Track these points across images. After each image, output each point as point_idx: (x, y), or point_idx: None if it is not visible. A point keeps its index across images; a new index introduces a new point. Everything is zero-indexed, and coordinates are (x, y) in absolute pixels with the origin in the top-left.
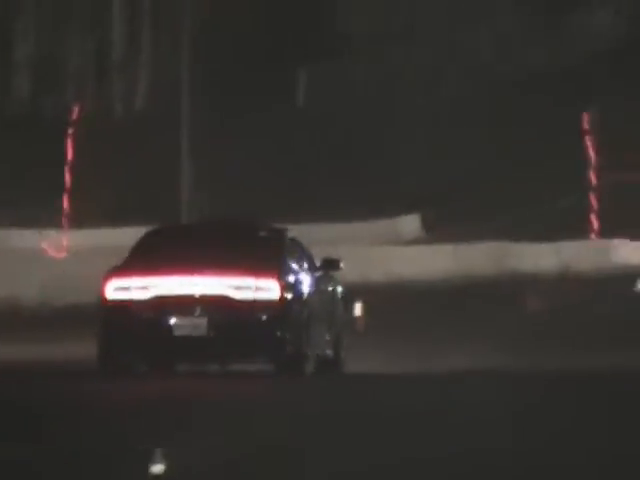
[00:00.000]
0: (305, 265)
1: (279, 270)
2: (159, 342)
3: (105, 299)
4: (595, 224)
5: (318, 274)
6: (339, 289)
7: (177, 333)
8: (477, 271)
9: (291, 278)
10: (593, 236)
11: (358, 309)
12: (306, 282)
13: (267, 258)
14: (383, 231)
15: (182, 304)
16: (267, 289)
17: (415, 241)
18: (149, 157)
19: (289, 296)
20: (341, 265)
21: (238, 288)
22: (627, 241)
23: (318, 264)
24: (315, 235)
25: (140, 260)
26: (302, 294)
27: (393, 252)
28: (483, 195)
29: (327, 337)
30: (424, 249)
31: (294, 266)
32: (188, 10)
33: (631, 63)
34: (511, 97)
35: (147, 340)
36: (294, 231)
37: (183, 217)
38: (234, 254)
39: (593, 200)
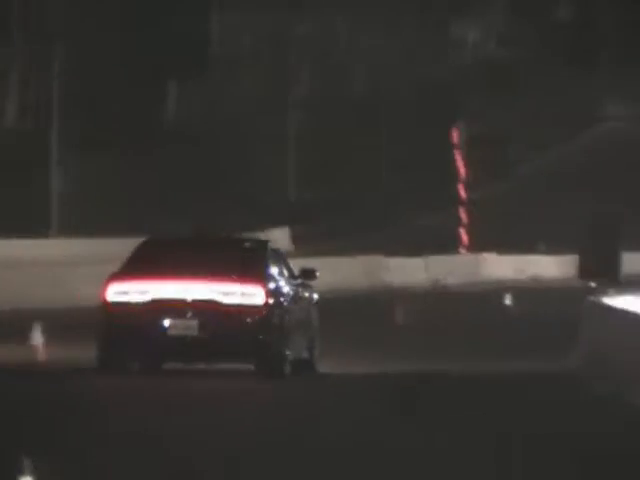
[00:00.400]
0: (285, 273)
1: (263, 277)
2: (155, 341)
3: (106, 301)
4: (465, 238)
5: (296, 282)
6: (314, 296)
7: (171, 333)
8: (350, 284)
9: (273, 285)
10: (463, 250)
11: None
12: (286, 289)
13: (252, 267)
14: None
15: (176, 307)
16: (252, 295)
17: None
18: (19, 171)
19: (272, 302)
20: (317, 274)
21: (226, 294)
22: (495, 255)
23: (296, 273)
24: None
25: (137, 267)
26: (283, 300)
27: None
28: (356, 211)
29: (303, 340)
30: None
31: (276, 274)
32: (59, 28)
33: (500, 79)
34: (380, 114)
35: (144, 339)
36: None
37: (53, 229)
38: (222, 263)
39: (463, 214)
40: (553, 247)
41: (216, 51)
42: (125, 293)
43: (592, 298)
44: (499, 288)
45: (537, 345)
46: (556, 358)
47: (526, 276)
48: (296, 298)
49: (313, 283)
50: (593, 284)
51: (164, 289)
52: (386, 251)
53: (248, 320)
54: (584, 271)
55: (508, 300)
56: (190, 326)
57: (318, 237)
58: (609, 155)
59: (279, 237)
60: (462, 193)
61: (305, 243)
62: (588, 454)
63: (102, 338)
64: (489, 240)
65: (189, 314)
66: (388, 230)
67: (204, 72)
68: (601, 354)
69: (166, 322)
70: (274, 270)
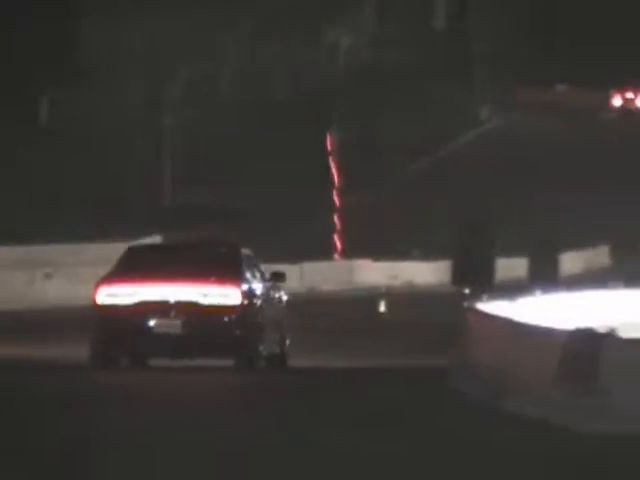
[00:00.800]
0: (258, 276)
1: (239, 280)
2: (142, 339)
3: (96, 304)
4: (339, 245)
5: (268, 284)
6: (284, 297)
7: (156, 332)
8: None
9: (248, 287)
10: (337, 257)
11: None
12: (259, 290)
13: (228, 270)
14: None
15: (160, 308)
16: (229, 295)
17: None
18: None
19: (247, 302)
20: (285, 277)
21: (205, 295)
22: (369, 261)
23: (267, 276)
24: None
25: (125, 271)
26: (256, 300)
27: None
28: (233, 217)
29: (275, 337)
30: None
31: (249, 277)
32: None
33: (372, 86)
34: (253, 120)
35: (132, 337)
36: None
37: None
38: (201, 267)
39: (337, 221)
40: (427, 253)
41: (88, 57)
42: (114, 295)
43: (466, 304)
44: (373, 294)
45: (410, 349)
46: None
47: (400, 282)
48: (268, 298)
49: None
50: (467, 290)
51: (149, 292)
52: (261, 258)
53: (226, 319)
54: (457, 277)
55: (382, 306)
56: (174, 325)
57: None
58: (482, 160)
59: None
60: (336, 200)
61: None
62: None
63: (94, 337)
64: (363, 247)
65: (172, 314)
66: (265, 237)
67: (75, 79)
68: (474, 359)
69: (152, 322)
70: (248, 273)
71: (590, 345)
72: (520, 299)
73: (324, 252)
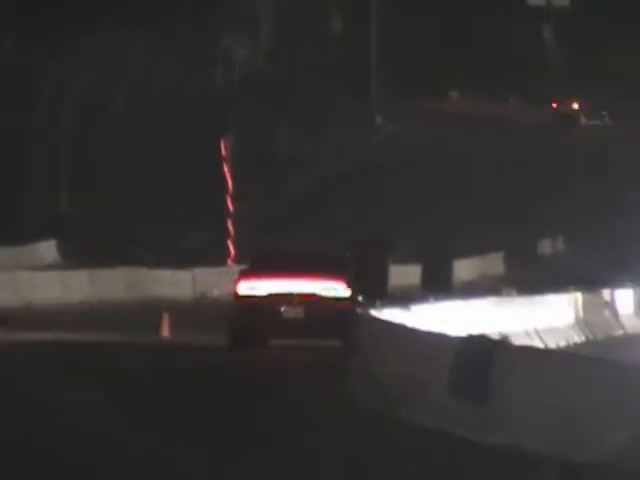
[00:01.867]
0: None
1: (346, 278)
2: (273, 322)
3: (237, 295)
4: (232, 251)
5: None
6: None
7: (284, 317)
8: (112, 296)
9: (352, 283)
10: (230, 262)
11: None
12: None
13: (338, 270)
14: (20, 256)
15: (287, 298)
16: (339, 289)
17: (52, 266)
18: None
19: (351, 294)
20: None
21: (322, 289)
22: None
23: None
24: None
25: (257, 270)
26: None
27: (28, 277)
28: (127, 225)
29: None
30: (60, 274)
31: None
32: None
33: (270, 94)
34: (149, 129)
35: (265, 321)
36: None
37: None
38: (319, 267)
39: (230, 227)
40: None
41: None
42: (252, 288)
43: (360, 311)
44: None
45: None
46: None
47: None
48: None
49: None
50: (360, 297)
51: (278, 286)
52: (153, 264)
53: (337, 307)
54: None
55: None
56: (298, 312)
57: (86, 250)
58: (378, 168)
59: (45, 249)
60: (230, 206)
61: (73, 256)
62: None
63: (234, 321)
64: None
65: (297, 303)
66: (159, 243)
67: None
68: (371, 366)
69: (281, 309)
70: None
71: (482, 352)
72: (414, 306)
73: (217, 258)
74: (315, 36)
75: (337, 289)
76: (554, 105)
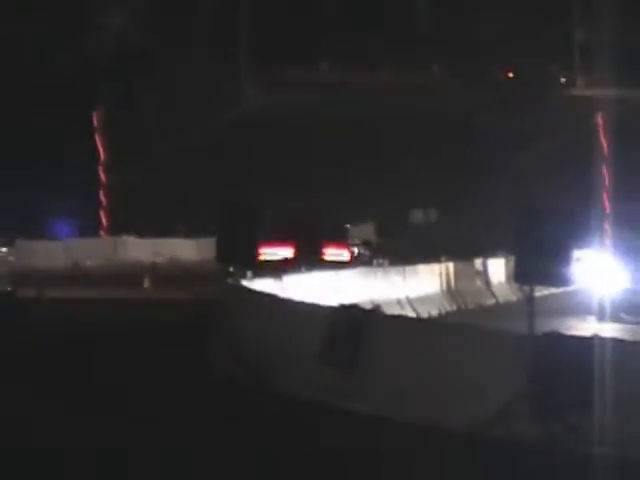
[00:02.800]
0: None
1: (348, 245)
2: None
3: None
4: (104, 221)
5: (362, 248)
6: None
7: None
8: None
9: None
10: (102, 233)
11: None
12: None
13: (341, 239)
14: None
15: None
16: (344, 255)
17: None
18: None
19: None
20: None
21: (328, 255)
22: (134, 238)
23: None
24: None
25: (277, 238)
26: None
27: None
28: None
29: None
30: None
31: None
32: None
33: (141, 64)
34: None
35: None
36: None
37: None
38: (325, 238)
39: (103, 198)
40: (192, 230)
41: None
42: (270, 254)
43: (230, 281)
44: (138, 270)
45: (174, 330)
46: (190, 343)
47: (164, 258)
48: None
49: None
50: (231, 267)
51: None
52: (26, 236)
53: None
54: (221, 254)
55: (146, 282)
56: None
57: None
58: (248, 139)
59: None
60: (102, 176)
61: None
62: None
63: None
64: (129, 223)
65: None
66: (32, 213)
67: None
68: (239, 337)
69: None
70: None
71: (353, 321)
72: (285, 277)
73: (89, 228)
74: (188, 6)
75: (342, 254)
76: (510, 75)
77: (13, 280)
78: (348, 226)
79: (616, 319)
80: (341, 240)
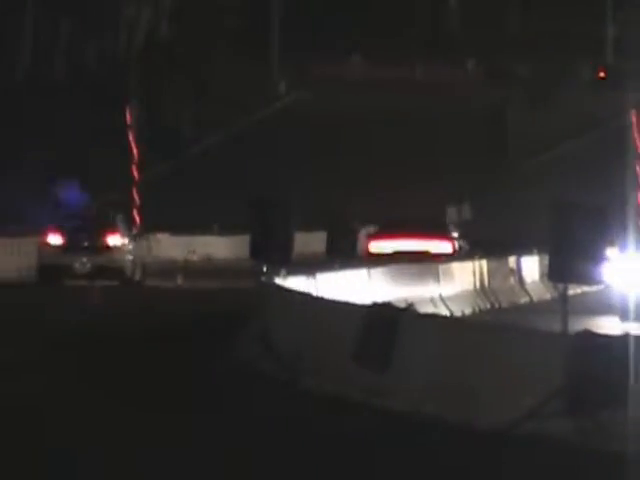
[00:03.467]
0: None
1: (451, 239)
2: None
3: (368, 252)
4: (138, 219)
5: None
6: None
7: None
8: None
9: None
10: (135, 231)
11: None
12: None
13: (445, 233)
14: None
15: (407, 255)
16: (446, 247)
17: None
18: None
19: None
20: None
21: (434, 247)
22: (167, 236)
23: None
24: None
25: (385, 232)
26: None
27: None
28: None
29: None
30: None
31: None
32: None
33: (171, 60)
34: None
35: None
36: None
37: None
38: (429, 231)
39: (136, 195)
40: (226, 228)
41: None
42: (380, 247)
43: (264, 279)
44: (172, 268)
45: (203, 324)
46: (224, 338)
47: (198, 257)
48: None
49: None
50: (265, 265)
51: (401, 245)
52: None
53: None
54: (256, 251)
55: (179, 279)
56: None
57: None
58: (280, 135)
59: None
60: (135, 174)
61: None
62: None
63: None
64: (163, 221)
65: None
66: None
67: None
68: (275, 336)
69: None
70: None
71: (387, 320)
72: (319, 274)
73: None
74: (216, 3)
75: (444, 247)
76: (601, 74)
77: None
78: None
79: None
80: (443, 232)
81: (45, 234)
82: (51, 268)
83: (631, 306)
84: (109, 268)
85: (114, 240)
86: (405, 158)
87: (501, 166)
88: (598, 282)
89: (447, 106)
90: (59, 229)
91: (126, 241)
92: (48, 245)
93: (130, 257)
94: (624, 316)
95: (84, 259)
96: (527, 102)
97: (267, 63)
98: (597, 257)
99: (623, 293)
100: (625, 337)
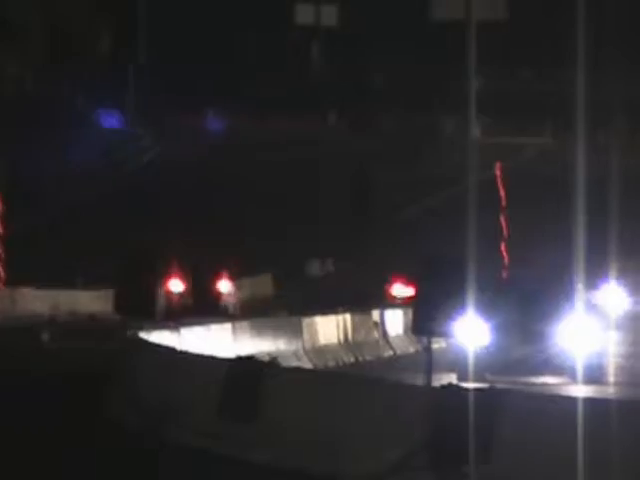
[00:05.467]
0: None
1: None
2: None
3: (391, 295)
4: (2, 273)
5: None
6: None
7: None
8: None
9: None
10: (0, 285)
11: None
12: None
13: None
14: None
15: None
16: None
17: None
18: None
19: None
20: None
21: None
22: (31, 290)
23: None
24: None
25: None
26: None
27: None
28: None
29: None
30: None
31: None
32: None
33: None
34: None
35: None
36: None
37: None
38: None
39: (0, 249)
40: (90, 282)
41: None
42: (399, 291)
43: (129, 333)
44: (36, 323)
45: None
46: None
47: (63, 311)
48: None
49: None
50: (131, 319)
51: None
52: None
53: None
54: (119, 305)
55: (46, 335)
56: None
57: None
58: (144, 185)
59: None
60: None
61: None
62: None
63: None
64: (26, 274)
65: None
66: None
67: None
68: (137, 389)
69: None
70: None
71: (251, 373)
72: (183, 329)
73: None
74: (83, 55)
75: None
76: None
77: None
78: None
79: (480, 379)
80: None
81: None
82: None
83: (468, 365)
84: None
85: None
86: (266, 211)
87: (365, 220)
88: (451, 336)
89: (310, 159)
90: None
91: None
92: None
93: None
94: (461, 376)
95: None
96: (391, 156)
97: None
98: (453, 311)
99: (464, 350)
100: (490, 390)
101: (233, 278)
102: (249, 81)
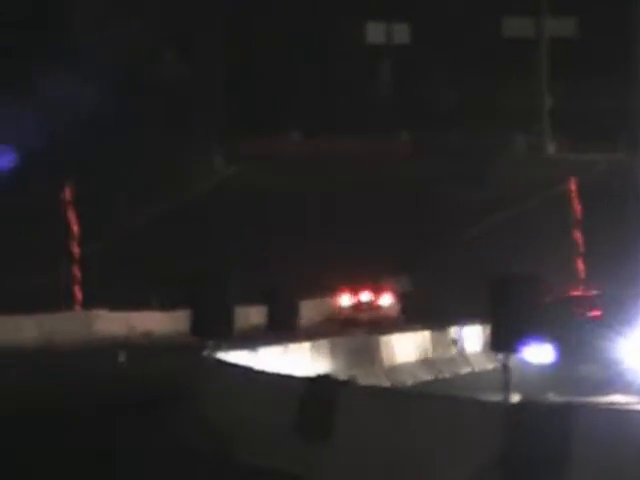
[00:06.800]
0: None
1: None
2: None
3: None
4: (79, 295)
5: None
6: None
7: None
8: None
9: None
10: (77, 307)
11: None
12: None
13: None
14: None
15: None
16: None
17: None
18: None
19: None
20: None
21: None
22: (107, 312)
23: None
24: None
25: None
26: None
27: None
28: None
29: None
30: None
31: None
32: None
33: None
34: None
35: None
36: None
37: None
38: None
39: (76, 271)
40: (166, 303)
41: None
42: None
43: (206, 353)
44: (112, 345)
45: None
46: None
47: (138, 333)
48: None
49: None
50: (207, 340)
51: None
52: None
53: None
54: (197, 327)
55: (121, 357)
56: None
57: None
58: (218, 210)
59: None
60: (75, 250)
61: None
62: None
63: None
64: (101, 296)
65: None
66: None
67: None
68: (213, 409)
69: None
70: None
71: (328, 393)
72: (261, 348)
73: (61, 303)
74: (153, 80)
75: None
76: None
77: None
78: None
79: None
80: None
81: None
82: None
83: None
84: None
85: None
86: (338, 231)
87: (438, 237)
88: (526, 354)
89: (378, 179)
90: None
91: None
92: None
93: None
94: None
95: None
96: (460, 175)
97: (204, 138)
98: (530, 329)
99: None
100: (567, 408)
101: (394, 292)
102: (323, 100)
